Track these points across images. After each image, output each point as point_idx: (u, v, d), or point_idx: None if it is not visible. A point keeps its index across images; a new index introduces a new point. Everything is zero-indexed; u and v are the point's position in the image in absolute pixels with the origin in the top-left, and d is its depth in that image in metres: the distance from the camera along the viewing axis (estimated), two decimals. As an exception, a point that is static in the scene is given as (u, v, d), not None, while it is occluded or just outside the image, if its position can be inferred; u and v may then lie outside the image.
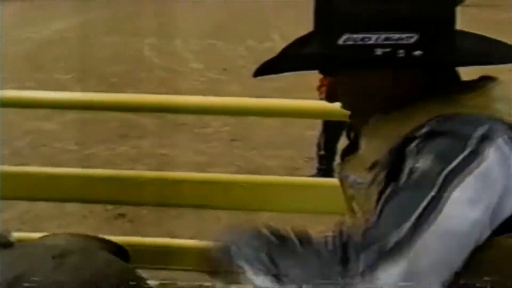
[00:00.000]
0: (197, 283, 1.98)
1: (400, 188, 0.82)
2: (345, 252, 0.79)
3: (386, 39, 0.86)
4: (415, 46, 0.86)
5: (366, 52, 0.88)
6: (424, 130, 0.85)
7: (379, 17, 0.87)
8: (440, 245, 0.77)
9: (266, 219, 3.37)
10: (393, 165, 0.86)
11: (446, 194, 0.79)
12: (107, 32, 10.51)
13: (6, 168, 2.31)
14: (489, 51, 0.97)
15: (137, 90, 6.06)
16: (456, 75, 0.97)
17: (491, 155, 0.82)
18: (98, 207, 3.64)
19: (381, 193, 0.86)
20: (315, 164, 4.09)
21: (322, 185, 1.86)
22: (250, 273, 0.83)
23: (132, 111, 3.45)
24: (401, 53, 0.86)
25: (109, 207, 3.65)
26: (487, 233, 0.80)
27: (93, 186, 1.96)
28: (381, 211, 0.82)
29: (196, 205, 2.10)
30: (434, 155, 0.82)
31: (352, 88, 0.97)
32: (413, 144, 0.85)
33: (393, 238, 0.77)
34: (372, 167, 0.91)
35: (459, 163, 0.81)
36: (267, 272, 0.82)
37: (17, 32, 10.74)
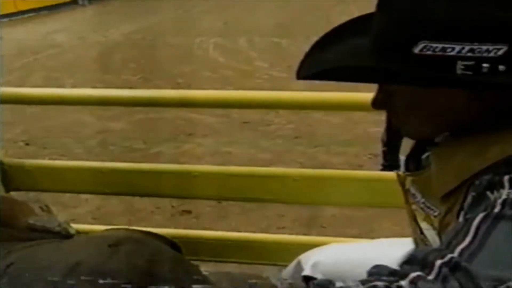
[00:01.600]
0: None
1: (504, 217, 0.71)
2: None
3: (471, 50, 0.74)
4: (501, 60, 0.74)
5: (445, 66, 0.75)
6: (502, 169, 0.76)
7: (465, 24, 0.74)
8: None
9: (329, 215, 3.39)
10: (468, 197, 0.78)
11: None
12: (174, 33, 10.72)
13: (78, 163, 2.41)
14: None
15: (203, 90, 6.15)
16: None
17: None
18: (164, 204, 3.74)
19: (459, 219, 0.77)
20: (380, 160, 4.01)
21: (387, 179, 1.82)
22: None
23: (196, 107, 3.49)
24: (485, 67, 0.74)
25: (175, 203, 3.74)
26: None
27: (159, 181, 2.01)
28: (482, 240, 0.70)
29: (259, 199, 2.11)
30: None
31: (412, 103, 0.85)
32: (497, 178, 0.76)
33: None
34: (445, 197, 0.84)
35: None
36: None
37: (90, 36, 11.15)
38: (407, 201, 1.00)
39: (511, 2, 0.74)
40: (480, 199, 0.75)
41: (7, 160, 2.09)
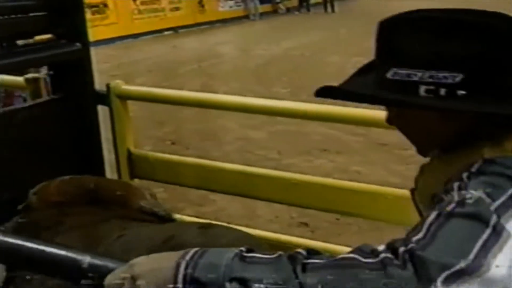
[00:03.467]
0: None
1: (453, 214, 0.80)
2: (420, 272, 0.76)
3: (431, 76, 0.86)
4: (458, 86, 0.86)
5: (410, 89, 0.88)
6: (472, 169, 0.85)
7: (427, 55, 0.87)
8: (505, 272, 0.76)
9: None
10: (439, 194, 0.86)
11: (501, 227, 0.78)
12: (332, 51, 10.84)
13: (197, 160, 2.55)
14: None
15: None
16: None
17: None
18: (283, 214, 3.81)
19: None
20: None
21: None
22: None
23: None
24: (442, 91, 0.86)
25: (294, 215, 3.79)
26: None
27: (281, 189, 2.09)
28: (434, 233, 0.79)
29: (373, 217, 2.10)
30: (483, 189, 0.81)
31: (403, 123, 0.99)
32: (463, 178, 0.84)
33: (461, 263, 0.75)
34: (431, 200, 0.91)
35: (509, 197, 0.80)
36: None
37: (251, 48, 11.69)
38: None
39: (468, 39, 0.87)
40: (438, 202, 0.84)
41: (134, 150, 2.31)
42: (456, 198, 0.81)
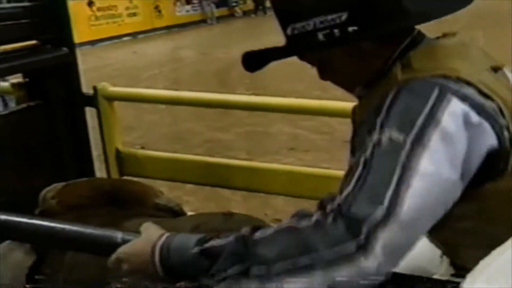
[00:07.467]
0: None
1: (370, 158, 0.87)
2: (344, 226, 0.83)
3: (321, 22, 0.97)
4: (347, 23, 0.96)
5: (310, 37, 0.99)
6: (386, 101, 0.92)
7: (313, 4, 0.98)
8: (421, 204, 0.84)
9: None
10: (362, 136, 0.94)
11: (415, 162, 0.84)
12: (291, 53, 10.99)
13: (184, 156, 2.60)
14: (435, 4, 1.03)
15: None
16: (417, 39, 1.02)
17: (447, 118, 0.87)
18: (259, 211, 3.89)
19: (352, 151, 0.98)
20: None
21: None
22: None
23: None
24: (336, 32, 0.96)
25: (269, 212, 3.88)
26: (460, 187, 0.89)
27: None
28: (361, 180, 0.86)
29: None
30: (397, 126, 0.88)
31: (323, 70, 1.09)
32: (379, 117, 0.91)
33: (378, 212, 0.82)
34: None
35: (419, 131, 0.86)
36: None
37: (212, 52, 11.75)
38: None
39: None
40: (360, 145, 0.93)
41: (122, 149, 2.38)
42: (375, 139, 0.88)
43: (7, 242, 1.62)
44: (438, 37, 1.06)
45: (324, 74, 1.10)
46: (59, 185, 1.72)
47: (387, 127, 0.88)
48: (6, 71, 2.02)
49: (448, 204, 0.88)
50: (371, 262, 0.80)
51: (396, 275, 0.86)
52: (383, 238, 0.80)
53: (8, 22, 1.97)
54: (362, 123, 0.99)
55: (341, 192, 0.87)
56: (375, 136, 0.89)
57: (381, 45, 1.02)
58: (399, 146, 0.86)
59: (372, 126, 0.91)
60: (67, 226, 1.02)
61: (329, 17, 0.97)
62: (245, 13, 20.41)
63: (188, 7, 18.57)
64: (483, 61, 1.03)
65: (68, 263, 1.48)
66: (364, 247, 0.80)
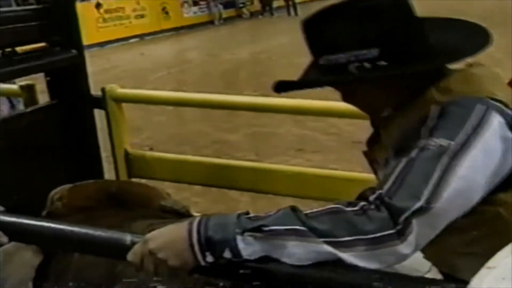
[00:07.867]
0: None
1: (415, 159, 0.97)
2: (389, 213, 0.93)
3: (355, 56, 1.05)
4: (378, 58, 1.04)
5: (341, 69, 1.07)
6: (432, 114, 1.01)
7: (348, 39, 1.06)
8: (452, 203, 0.95)
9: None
10: (405, 144, 1.02)
11: (456, 166, 0.95)
12: (298, 54, 10.99)
13: (192, 157, 2.61)
14: (459, 44, 1.12)
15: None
16: (444, 69, 1.11)
17: (490, 131, 0.98)
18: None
19: (390, 163, 1.01)
20: None
21: None
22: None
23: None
24: (367, 65, 1.05)
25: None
26: (484, 194, 0.99)
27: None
28: (403, 177, 0.96)
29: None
30: (445, 134, 0.98)
31: (354, 100, 1.17)
32: (426, 127, 1.01)
33: (418, 204, 0.93)
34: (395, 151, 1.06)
35: (465, 140, 0.97)
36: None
37: (219, 53, 11.77)
38: (375, 173, 1.25)
39: (378, 21, 1.05)
40: (404, 150, 1.01)
41: (131, 150, 2.39)
42: (421, 144, 0.98)
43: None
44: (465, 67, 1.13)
45: (349, 100, 1.18)
46: (66, 187, 1.73)
47: (435, 134, 0.99)
48: (15, 73, 2.03)
49: (470, 207, 0.99)
50: (405, 248, 0.93)
51: (395, 276, 0.95)
52: (417, 230, 0.92)
53: (18, 25, 1.98)
54: (403, 138, 1.05)
55: (383, 185, 0.96)
56: (422, 142, 0.98)
57: (411, 78, 1.10)
58: (443, 150, 0.96)
59: (417, 137, 1.00)
60: (76, 229, 1.02)
61: (362, 52, 1.05)
62: (252, 14, 20.42)
63: (195, 8, 18.60)
64: (508, 88, 1.14)
65: (75, 263, 1.48)
66: (402, 234, 0.92)
